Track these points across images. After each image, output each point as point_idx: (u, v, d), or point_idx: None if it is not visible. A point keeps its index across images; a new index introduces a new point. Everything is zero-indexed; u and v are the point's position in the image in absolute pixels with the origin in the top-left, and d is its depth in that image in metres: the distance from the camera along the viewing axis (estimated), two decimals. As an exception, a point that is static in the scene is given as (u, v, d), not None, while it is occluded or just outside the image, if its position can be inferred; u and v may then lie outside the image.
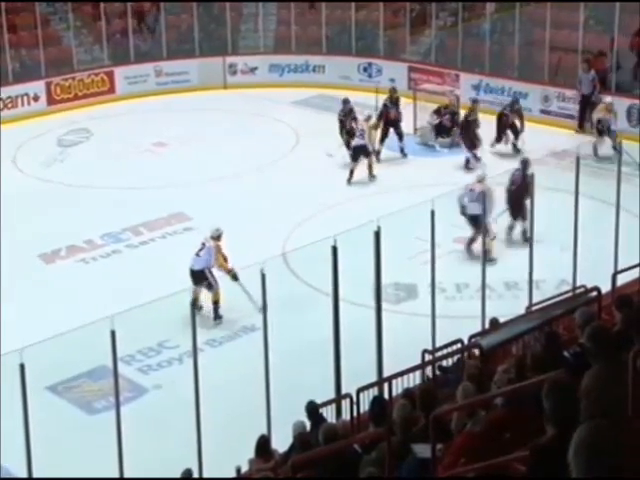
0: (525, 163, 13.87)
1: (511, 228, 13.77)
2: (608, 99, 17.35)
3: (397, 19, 22.64)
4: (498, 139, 17.43)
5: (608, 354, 4.51)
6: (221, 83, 22.70)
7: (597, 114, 17.28)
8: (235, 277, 12.03)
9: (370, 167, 16.71)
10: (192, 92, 22.13)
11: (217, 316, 12.13)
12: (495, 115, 17.86)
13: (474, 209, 12.92)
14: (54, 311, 12.20)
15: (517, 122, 17.58)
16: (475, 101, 18.08)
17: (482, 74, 20.64)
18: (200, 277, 12.04)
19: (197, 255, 12.20)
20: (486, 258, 11.37)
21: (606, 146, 16.78)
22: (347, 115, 17.37)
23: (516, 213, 13.56)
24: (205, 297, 12.12)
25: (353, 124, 17.02)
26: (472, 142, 17.14)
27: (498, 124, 17.51)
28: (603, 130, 16.80)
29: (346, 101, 17.69)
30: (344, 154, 17.15)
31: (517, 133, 17.53)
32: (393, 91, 18.48)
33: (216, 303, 12.11)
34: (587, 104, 18.68)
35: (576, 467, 2.67)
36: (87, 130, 20.00)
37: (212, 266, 12.14)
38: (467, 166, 16.98)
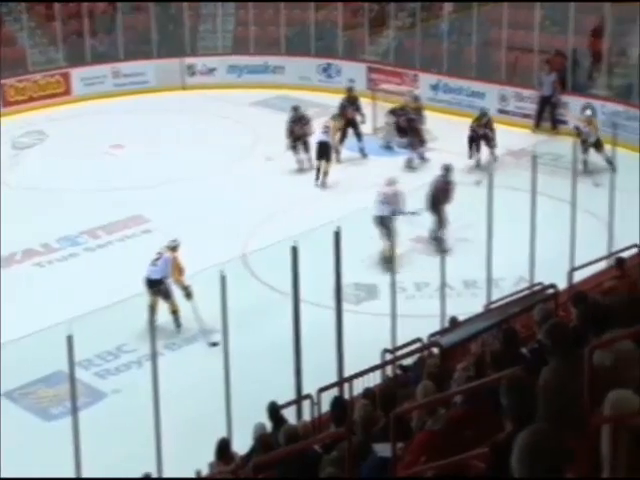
0: (447, 169, 13.90)
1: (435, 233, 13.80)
2: (588, 112, 17.08)
3: (356, 19, 22.70)
4: (470, 155, 16.90)
5: (565, 350, 4.54)
6: (179, 84, 22.58)
7: (577, 121, 17.02)
8: (189, 295, 11.70)
9: (326, 173, 16.54)
10: (150, 93, 21.99)
11: (178, 324, 11.90)
12: (452, 114, 17.92)
13: (380, 211, 13.19)
14: (9, 315, 12.01)
15: (489, 134, 16.98)
16: (416, 98, 18.24)
17: (440, 74, 20.77)
18: (157, 287, 11.74)
19: (153, 264, 11.91)
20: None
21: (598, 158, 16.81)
22: (297, 122, 17.24)
23: (435, 217, 13.60)
24: (162, 307, 11.83)
25: (306, 129, 16.96)
26: (417, 140, 17.21)
27: (469, 141, 16.95)
28: (587, 144, 16.39)
29: (296, 108, 17.50)
30: (289, 158, 17.05)
31: (492, 146, 16.85)
32: (350, 91, 18.52)
33: (175, 313, 11.84)
34: (546, 104, 18.90)
35: (518, 472, 2.68)
36: (42, 132, 19.76)
37: (168, 277, 11.86)
38: (409, 165, 17.02)
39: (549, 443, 2.70)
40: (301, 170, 17.09)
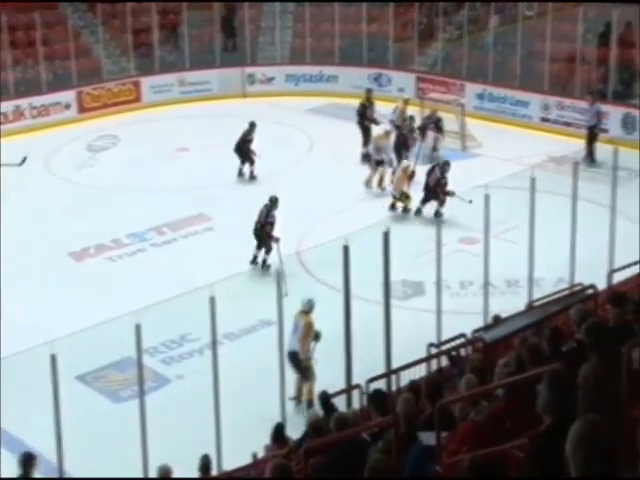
0: (273, 201, 13.50)
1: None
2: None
3: (406, 32, 22.60)
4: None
5: (604, 348, 4.48)
6: (240, 92, 22.73)
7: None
8: (309, 370, 10.12)
9: (382, 178, 16.33)
10: (213, 100, 22.17)
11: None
12: (496, 122, 17.59)
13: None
14: (83, 306, 12.24)
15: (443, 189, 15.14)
16: (407, 101, 18.27)
17: (485, 83, 20.58)
18: (295, 361, 10.08)
19: (293, 334, 10.05)
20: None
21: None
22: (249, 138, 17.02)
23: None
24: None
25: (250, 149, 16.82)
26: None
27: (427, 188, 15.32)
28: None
29: (252, 124, 17.11)
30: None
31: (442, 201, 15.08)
32: (369, 92, 18.64)
33: (310, 402, 9.93)
34: (592, 136, 17.28)
35: (575, 463, 2.65)
36: (115, 136, 20.05)
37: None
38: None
39: (602, 432, 2.68)
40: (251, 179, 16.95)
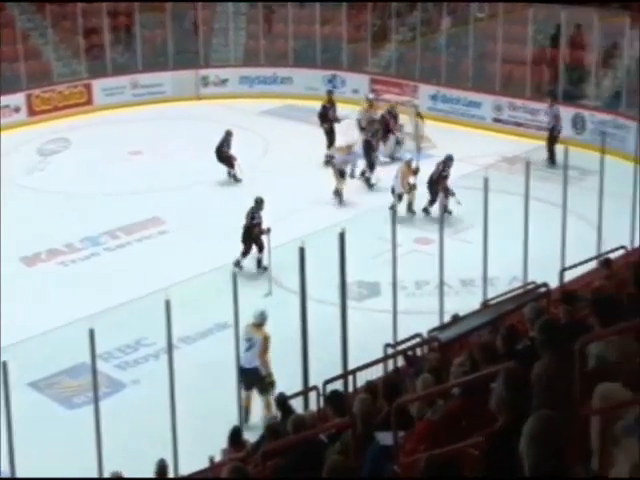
0: (258, 202, 13.57)
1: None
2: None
3: (359, 33, 22.70)
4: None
5: (557, 345, 4.54)
6: (194, 94, 22.60)
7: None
8: (272, 385, 9.78)
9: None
10: (166, 103, 22.00)
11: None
12: (450, 123, 17.79)
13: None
14: (36, 311, 12.05)
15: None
16: (370, 101, 18.41)
17: (439, 85, 20.76)
18: (253, 377, 9.84)
19: (247, 350, 9.83)
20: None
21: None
22: (226, 145, 17.04)
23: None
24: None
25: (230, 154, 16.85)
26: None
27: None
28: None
29: (229, 133, 17.14)
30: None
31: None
32: (330, 94, 18.84)
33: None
34: (552, 137, 17.35)
35: (528, 458, 2.68)
36: (66, 140, 19.79)
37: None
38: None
39: (555, 428, 2.71)
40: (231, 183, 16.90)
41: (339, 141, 17.69)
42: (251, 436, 8.26)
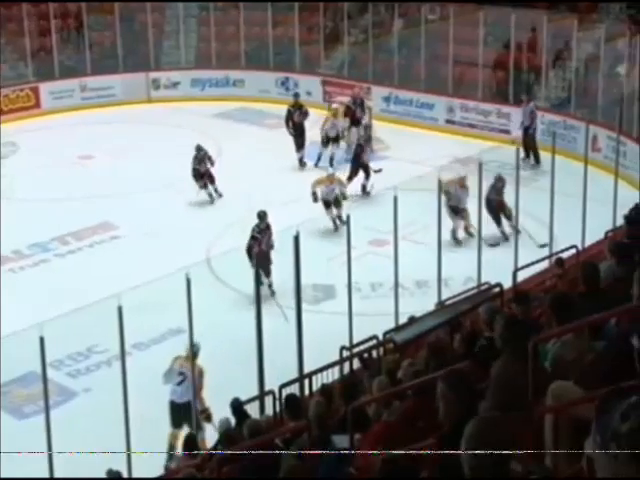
0: (261, 216, 13.17)
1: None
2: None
3: (311, 36, 22.72)
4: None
5: (520, 342, 4.56)
6: (145, 97, 22.38)
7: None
8: (208, 418, 9.28)
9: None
10: (117, 106, 21.75)
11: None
12: (403, 125, 17.87)
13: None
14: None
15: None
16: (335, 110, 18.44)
17: (391, 87, 20.87)
18: (184, 413, 9.36)
19: (178, 385, 9.51)
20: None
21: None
22: (202, 161, 16.41)
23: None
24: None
25: (210, 168, 16.25)
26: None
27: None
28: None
29: (199, 148, 16.56)
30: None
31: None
32: (296, 97, 18.69)
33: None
34: (526, 134, 17.50)
35: (466, 461, 2.68)
36: (13, 144, 19.43)
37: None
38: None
39: (494, 432, 2.71)
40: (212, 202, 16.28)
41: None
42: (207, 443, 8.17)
